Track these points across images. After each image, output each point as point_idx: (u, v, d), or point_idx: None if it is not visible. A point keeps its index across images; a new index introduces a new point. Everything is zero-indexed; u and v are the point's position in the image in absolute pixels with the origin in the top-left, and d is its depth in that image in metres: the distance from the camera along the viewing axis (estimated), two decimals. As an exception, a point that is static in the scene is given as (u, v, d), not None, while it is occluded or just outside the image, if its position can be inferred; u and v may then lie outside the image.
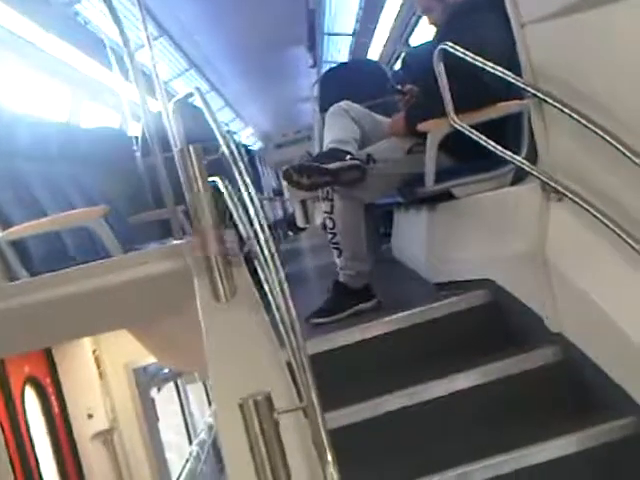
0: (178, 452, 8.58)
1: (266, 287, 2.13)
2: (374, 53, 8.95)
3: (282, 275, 2.05)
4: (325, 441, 1.71)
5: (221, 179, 2.53)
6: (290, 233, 15.56)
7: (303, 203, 22.17)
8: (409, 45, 7.54)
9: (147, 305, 2.80)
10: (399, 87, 3.58)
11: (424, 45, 5.33)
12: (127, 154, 5.61)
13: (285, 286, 2.02)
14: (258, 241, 2.18)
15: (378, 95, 4.55)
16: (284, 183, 19.33)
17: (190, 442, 9.20)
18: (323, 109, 4.73)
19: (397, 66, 7.61)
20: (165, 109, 3.35)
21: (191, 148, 2.32)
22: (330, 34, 10.12)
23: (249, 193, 2.25)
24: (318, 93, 5.89)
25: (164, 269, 2.59)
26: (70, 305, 2.73)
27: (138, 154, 5.60)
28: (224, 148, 2.40)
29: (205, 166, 2.33)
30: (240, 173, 2.29)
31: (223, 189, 2.50)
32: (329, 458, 1.68)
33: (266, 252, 2.11)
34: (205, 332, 2.21)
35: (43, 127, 5.04)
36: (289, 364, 2.03)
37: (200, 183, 2.29)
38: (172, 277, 2.57)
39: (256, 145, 20.56)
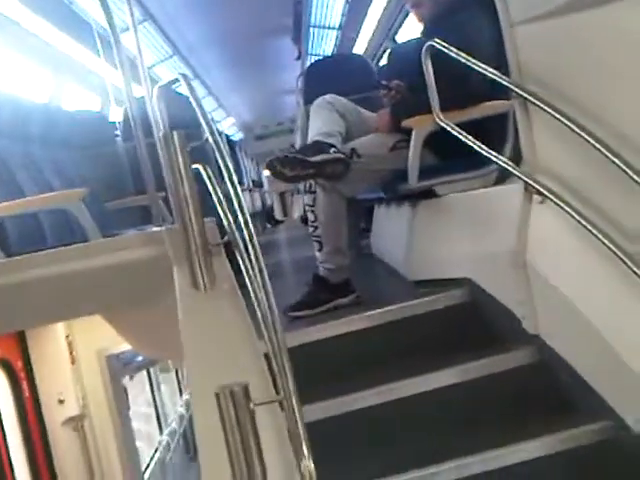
0: (148, 441, 8.55)
1: (246, 277, 2.11)
2: (360, 48, 8.93)
3: (262, 266, 2.03)
4: (302, 434, 1.70)
5: (204, 167, 2.51)
6: (268, 225, 15.54)
7: (282, 196, 22.16)
8: (395, 41, 7.53)
9: (124, 291, 2.78)
10: (385, 83, 3.57)
11: (411, 42, 5.31)
12: (108, 138, 5.56)
13: (265, 277, 2.00)
14: (240, 230, 2.15)
15: (363, 90, 4.54)
16: (264, 174, 19.35)
17: (161, 431, 9.17)
18: (308, 102, 4.71)
19: (383, 62, 7.60)
20: (149, 94, 3.32)
21: (175, 134, 2.29)
22: (316, 26, 10.08)
23: (232, 181, 2.23)
24: (303, 85, 5.86)
25: (143, 255, 2.57)
26: (45, 288, 2.70)
27: (119, 139, 5.55)
28: (209, 136, 2.37)
29: (188, 153, 2.31)
30: (224, 161, 2.27)
31: (205, 177, 2.48)
32: (305, 451, 1.67)
33: (247, 242, 2.09)
34: (182, 320, 2.19)
35: (24, 107, 4.97)
36: (266, 355, 2.02)
37: (182, 170, 2.27)
38: (151, 264, 2.55)
39: (237, 135, 20.48)
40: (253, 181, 16.17)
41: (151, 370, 8.97)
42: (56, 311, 3.15)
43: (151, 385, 9.26)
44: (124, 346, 5.39)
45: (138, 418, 8.33)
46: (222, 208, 2.33)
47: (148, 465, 7.94)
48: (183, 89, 2.81)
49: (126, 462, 6.30)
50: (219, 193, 2.40)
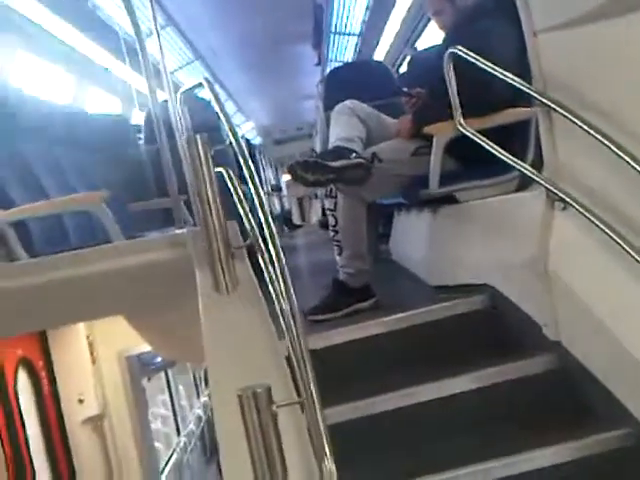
0: (166, 442, 8.58)
1: (268, 280, 2.13)
2: (380, 54, 8.94)
3: (285, 268, 2.05)
4: (324, 436, 1.71)
5: (226, 170, 2.53)
6: (286, 229, 15.56)
7: (300, 200, 22.19)
8: (416, 48, 7.54)
9: (146, 293, 2.81)
10: (407, 90, 3.58)
11: (431, 49, 5.32)
12: (130, 141, 5.60)
13: (288, 279, 2.02)
14: (262, 234, 2.17)
15: (383, 96, 4.54)
16: (283, 179, 19.38)
17: (178, 433, 9.20)
18: (328, 107, 4.73)
19: (403, 68, 7.60)
20: (172, 98, 3.35)
21: (198, 138, 2.32)
22: (336, 33, 10.11)
23: (255, 184, 2.25)
24: (323, 91, 5.88)
25: (165, 258, 2.59)
26: (68, 289, 2.74)
27: (141, 142, 5.59)
28: (232, 139, 2.40)
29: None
30: (246, 164, 2.29)
31: (228, 180, 2.50)
32: (327, 453, 1.68)
33: (270, 244, 2.11)
34: (204, 323, 2.21)
35: (47, 110, 5.02)
36: (287, 358, 2.03)
37: (206, 173, 2.29)
38: (173, 266, 2.58)
39: (256, 140, 20.54)
40: (272, 185, 16.23)
41: (169, 372, 9.00)
42: (78, 312, 3.18)
43: (169, 386, 9.30)
44: (144, 347, 5.42)
45: (156, 419, 8.37)
46: (244, 211, 2.35)
47: (166, 465, 7.97)
48: (204, 93, 2.84)
49: (144, 462, 6.33)
50: (241, 196, 2.42)
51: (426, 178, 3.13)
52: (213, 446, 9.81)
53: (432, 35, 6.66)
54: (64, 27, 5.87)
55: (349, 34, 10.08)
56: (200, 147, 2.30)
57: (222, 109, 2.49)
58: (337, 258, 3.29)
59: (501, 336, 2.80)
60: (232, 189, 2.47)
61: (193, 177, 2.34)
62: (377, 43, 8.89)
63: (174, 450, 8.52)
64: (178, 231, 2.96)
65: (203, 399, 10.48)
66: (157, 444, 7.87)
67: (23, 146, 4.16)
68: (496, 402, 2.54)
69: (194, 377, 10.56)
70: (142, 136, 5.70)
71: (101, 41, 6.39)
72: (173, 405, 9.41)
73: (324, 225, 10.44)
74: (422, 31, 7.24)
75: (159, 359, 6.72)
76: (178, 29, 8.86)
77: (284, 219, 16.14)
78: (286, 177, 20.35)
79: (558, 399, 2.49)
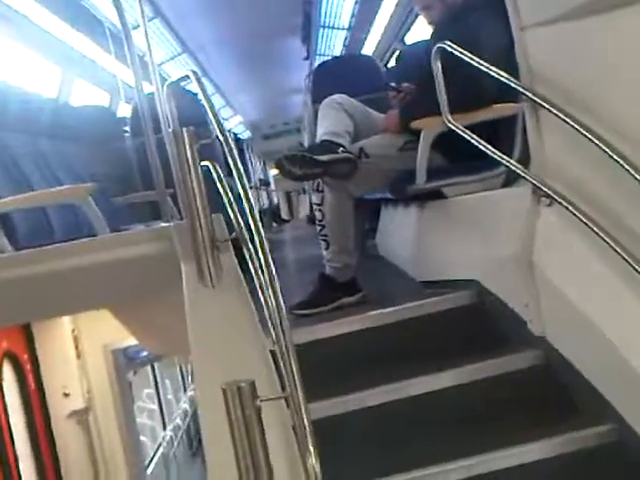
0: (152, 436, 8.57)
1: (253, 274, 2.12)
2: (369, 49, 8.94)
3: (270, 262, 2.04)
4: (308, 431, 1.71)
5: (212, 164, 2.51)
6: (274, 224, 15.55)
7: (288, 195, 22.17)
8: (404, 43, 7.54)
9: (132, 286, 2.79)
10: (394, 85, 3.58)
11: (420, 43, 5.33)
12: (116, 134, 5.58)
13: (273, 273, 2.01)
14: (248, 227, 2.16)
15: (371, 90, 4.54)
16: (271, 173, 19.34)
17: (164, 427, 9.19)
18: (315, 101, 4.72)
19: (391, 63, 7.60)
20: (158, 91, 3.33)
21: (184, 131, 2.31)
22: (325, 27, 10.09)
23: (241, 178, 2.24)
24: (311, 85, 5.87)
25: (151, 251, 2.58)
26: (53, 282, 2.72)
27: (127, 135, 5.56)
28: (218, 133, 2.38)
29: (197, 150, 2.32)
30: (233, 158, 2.28)
31: (214, 173, 2.49)
32: (311, 448, 1.68)
33: (255, 238, 2.10)
34: (189, 316, 2.20)
35: (32, 101, 4.99)
36: (272, 352, 2.03)
37: (192, 166, 2.28)
38: (158, 259, 2.56)
39: (244, 134, 20.50)
40: (260, 180, 16.21)
41: (155, 366, 8.99)
42: (63, 305, 3.16)
43: (155, 380, 9.29)
44: (130, 341, 5.41)
45: (142, 413, 8.36)
46: (230, 204, 2.34)
47: (152, 459, 7.97)
48: (192, 86, 2.82)
49: (130, 456, 6.32)
50: (227, 189, 2.41)
51: (413, 173, 3.13)
52: (199, 440, 9.82)
53: (421, 30, 6.66)
54: (50, 18, 5.82)
55: (338, 28, 10.07)
56: (186, 140, 2.29)
57: (208, 101, 2.47)
58: (324, 252, 3.29)
59: (487, 332, 2.80)
60: (218, 182, 2.46)
61: (179, 170, 2.33)
62: (366, 37, 8.89)
63: (160, 444, 8.52)
64: (164, 224, 2.95)
65: (189, 393, 10.47)
66: (143, 438, 7.86)
67: (8, 138, 4.13)
68: (480, 398, 2.54)
69: (181, 371, 10.55)
70: (128, 129, 5.67)
71: (87, 32, 6.34)
72: (159, 399, 9.40)
73: (312, 220, 10.43)
74: (411, 26, 7.25)
75: (145, 353, 6.70)
76: (166, 21, 8.81)
77: (272, 214, 16.14)
78: (274, 172, 20.36)
79: (542, 395, 2.50)
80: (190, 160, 2.27)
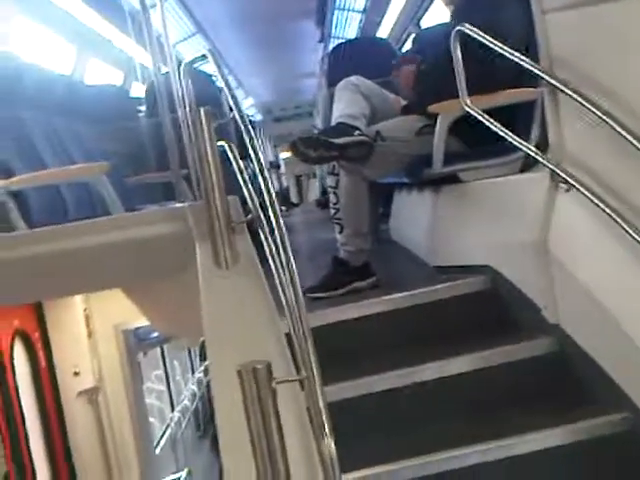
0: (160, 417, 8.61)
1: (269, 256, 2.11)
2: (384, 32, 8.87)
3: (287, 244, 2.03)
4: (323, 413, 1.70)
5: (228, 144, 2.50)
6: (284, 208, 15.55)
7: (298, 179, 22.14)
8: (420, 26, 7.48)
9: (145, 266, 2.79)
10: (395, 62, 3.58)
11: (436, 27, 5.28)
12: (130, 114, 5.56)
13: (290, 256, 2.00)
14: (264, 209, 2.15)
15: (387, 74, 4.51)
16: (281, 156, 19.30)
17: (172, 408, 9.23)
18: (331, 84, 4.69)
19: (407, 47, 7.54)
20: (173, 71, 3.32)
21: (202, 111, 2.29)
22: (340, 9, 10.02)
23: (258, 159, 2.22)
24: (327, 67, 5.84)
25: (165, 231, 2.57)
26: (67, 260, 2.71)
27: (142, 114, 5.55)
28: (235, 113, 2.37)
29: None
30: (250, 138, 2.26)
31: (230, 154, 2.48)
32: (327, 430, 1.67)
33: (272, 220, 2.08)
34: (204, 298, 2.19)
35: (47, 78, 4.97)
36: (287, 335, 2.02)
37: (208, 146, 2.27)
38: (173, 240, 2.55)
39: (256, 117, 20.46)
40: (270, 163, 16.18)
41: (164, 347, 9.02)
42: (76, 284, 3.16)
43: (164, 362, 9.32)
44: (140, 322, 5.41)
45: (150, 394, 8.40)
46: (246, 186, 2.33)
47: (160, 440, 8.01)
48: (207, 67, 2.80)
49: (139, 435, 6.34)
50: (243, 171, 2.39)
51: (429, 157, 3.10)
52: (207, 422, 9.86)
53: (437, 14, 6.60)
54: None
55: (353, 10, 10.00)
56: (204, 120, 2.28)
57: (225, 81, 2.46)
58: (338, 236, 3.27)
59: (500, 318, 2.79)
60: (234, 163, 2.45)
61: (195, 151, 2.32)
62: (381, 20, 8.81)
63: (168, 425, 8.56)
64: (178, 205, 2.94)
65: (198, 375, 10.51)
66: (151, 419, 7.89)
67: (22, 114, 4.12)
68: (494, 384, 2.54)
69: (189, 353, 10.58)
70: (143, 109, 5.66)
71: (102, 10, 6.31)
72: (168, 380, 9.44)
73: (321, 204, 10.40)
74: (427, 9, 7.18)
75: (155, 334, 6.71)
76: (180, 1, 8.77)
77: (282, 197, 16.12)
78: (284, 155, 20.33)
79: (556, 382, 2.49)
80: (207, 140, 2.25)
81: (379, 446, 2.35)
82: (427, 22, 7.24)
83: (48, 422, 5.55)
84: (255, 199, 2.26)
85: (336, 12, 9.93)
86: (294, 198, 20.35)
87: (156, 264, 2.76)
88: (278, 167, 18.04)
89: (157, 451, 7.63)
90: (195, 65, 3.03)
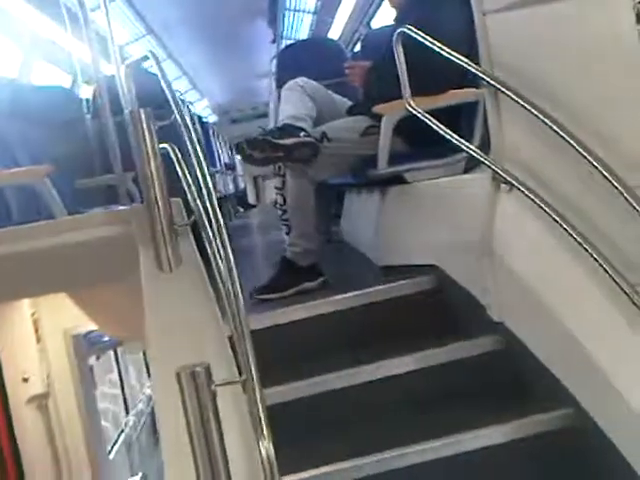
0: (114, 421, 8.52)
1: (212, 258, 2.10)
2: (335, 33, 8.89)
3: (228, 247, 2.02)
4: (262, 416, 1.70)
5: (171, 146, 2.48)
6: (240, 209, 15.48)
7: (255, 180, 22.07)
8: (370, 27, 7.51)
9: (89, 270, 2.75)
10: (347, 65, 3.60)
11: (384, 28, 5.31)
12: (76, 116, 5.48)
13: (231, 258, 1.99)
14: (206, 212, 2.14)
15: (336, 75, 4.51)
16: (237, 158, 19.24)
17: (127, 412, 9.14)
18: (280, 85, 4.68)
19: (357, 48, 7.57)
20: (118, 72, 3.29)
21: (142, 111, 2.27)
22: (291, 10, 10.02)
23: (199, 161, 2.21)
24: (275, 69, 5.83)
25: (108, 234, 2.53)
26: (10, 264, 2.67)
27: (88, 116, 5.47)
28: (176, 115, 2.35)
29: (156, 132, 2.28)
30: (191, 140, 2.25)
31: (173, 155, 2.46)
32: (265, 433, 1.67)
33: (214, 223, 2.08)
34: (146, 301, 2.17)
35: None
36: (230, 338, 2.01)
37: (149, 147, 2.25)
38: (116, 243, 2.53)
39: (211, 118, 20.35)
40: (226, 164, 16.09)
41: (119, 351, 8.92)
42: (20, 288, 3.11)
43: (118, 366, 9.22)
44: (91, 326, 5.34)
45: (104, 398, 8.30)
46: (189, 188, 2.31)
47: (114, 444, 7.92)
48: (154, 68, 2.78)
49: (90, 440, 6.25)
50: (187, 173, 2.38)
51: (376, 158, 3.12)
52: (162, 425, 9.78)
53: (386, 15, 6.64)
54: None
55: (304, 11, 10.01)
56: (144, 121, 2.26)
57: (166, 81, 2.44)
58: (285, 237, 3.27)
59: (446, 317, 2.82)
60: (177, 165, 2.43)
61: (137, 152, 2.30)
62: (332, 21, 8.84)
63: (122, 429, 8.47)
64: (122, 207, 2.91)
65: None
66: (106, 423, 7.80)
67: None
68: (438, 383, 2.56)
69: (144, 357, 10.48)
70: (88, 110, 5.58)
71: (49, 12, 6.22)
72: (122, 384, 9.34)
73: (276, 203, 10.37)
74: (376, 10, 7.22)
75: (107, 338, 6.63)
76: (129, 2, 8.69)
77: (239, 199, 16.04)
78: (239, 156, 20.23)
79: (501, 380, 2.52)
80: (148, 141, 2.23)
81: (323, 447, 2.35)
82: (377, 23, 7.28)
83: (-4, 429, 5.45)
84: (198, 201, 2.24)
85: (287, 13, 9.93)
86: (251, 199, 20.27)
87: (100, 267, 2.73)
88: (234, 169, 17.94)
89: (111, 456, 7.54)
90: (146, 66, 3.02)
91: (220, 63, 14.60)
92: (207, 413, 1.57)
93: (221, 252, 2.03)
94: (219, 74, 16.16)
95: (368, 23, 7.53)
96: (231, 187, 15.07)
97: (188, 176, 2.36)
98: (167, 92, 2.42)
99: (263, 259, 5.45)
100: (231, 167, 17.08)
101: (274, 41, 11.10)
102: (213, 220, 2.08)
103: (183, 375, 1.56)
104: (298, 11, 9.98)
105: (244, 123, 20.24)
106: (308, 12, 9.89)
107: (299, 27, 10.81)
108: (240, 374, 1.89)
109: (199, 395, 1.56)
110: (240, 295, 1.93)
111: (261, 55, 13.44)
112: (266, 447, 1.66)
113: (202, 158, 2.27)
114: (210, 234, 2.11)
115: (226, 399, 1.69)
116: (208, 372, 1.57)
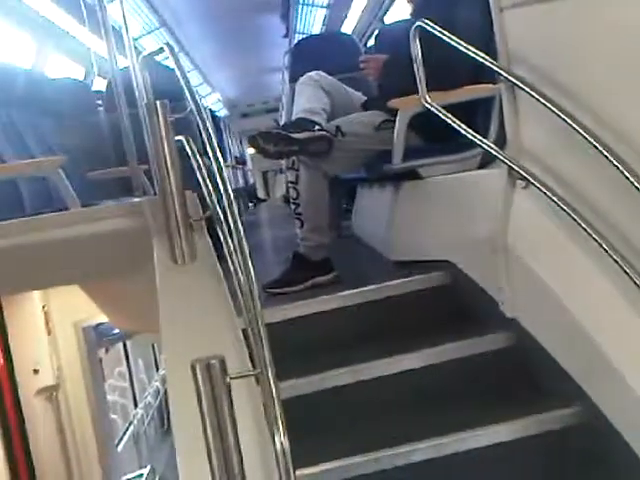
0: (122, 414, 8.54)
1: (226, 252, 2.09)
2: (348, 27, 8.88)
3: (243, 241, 2.01)
4: (277, 409, 1.70)
5: (187, 139, 2.48)
6: (250, 204, 15.49)
7: (264, 174, 22.08)
8: (384, 22, 7.49)
9: (102, 262, 2.76)
10: (362, 59, 3.58)
11: (398, 23, 5.30)
12: (90, 108, 5.49)
13: (246, 252, 1.99)
14: (221, 205, 2.14)
15: (350, 69, 4.51)
16: (248, 152, 19.26)
17: (135, 405, 9.17)
18: (293, 79, 4.68)
19: (371, 42, 7.56)
20: (133, 64, 3.28)
21: (158, 103, 2.27)
22: (305, 4, 10.01)
23: (215, 155, 2.20)
24: (289, 63, 5.82)
25: (123, 226, 2.54)
26: (23, 256, 2.68)
27: (102, 109, 5.48)
28: (192, 106, 2.34)
29: (171, 124, 2.28)
30: (207, 133, 2.24)
31: (188, 149, 2.45)
32: (280, 426, 1.67)
33: (229, 216, 2.07)
34: (160, 293, 2.18)
35: (5, 71, 4.89)
36: (244, 332, 2.01)
37: (165, 140, 2.25)
38: (130, 235, 2.53)
39: (222, 112, 20.36)
40: (236, 158, 16.10)
41: (128, 344, 8.95)
42: (32, 279, 3.12)
43: (127, 359, 9.25)
44: (101, 318, 5.36)
45: (113, 391, 8.33)
46: (204, 182, 2.31)
47: (122, 436, 7.94)
48: (168, 61, 2.77)
49: (99, 433, 6.29)
50: (202, 166, 2.37)
51: (390, 152, 3.11)
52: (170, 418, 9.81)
53: (400, 10, 6.62)
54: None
55: (317, 5, 9.99)
56: (160, 114, 2.25)
57: (182, 74, 2.43)
58: (298, 231, 3.27)
59: (459, 313, 2.81)
60: (192, 158, 2.42)
61: (152, 144, 2.30)
62: (345, 16, 8.82)
63: (131, 422, 8.50)
64: (136, 200, 2.91)
65: (162, 372, 10.45)
66: (114, 416, 7.83)
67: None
68: (450, 379, 2.55)
69: (153, 350, 10.52)
70: (102, 102, 5.59)
71: (64, 4, 6.23)
72: (131, 377, 9.37)
73: (288, 200, 10.36)
74: (390, 5, 7.20)
75: (116, 330, 6.66)
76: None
77: (249, 193, 16.06)
78: (251, 150, 20.27)
79: (513, 376, 2.51)
80: (163, 133, 2.23)
81: (337, 441, 2.34)
82: (391, 18, 7.26)
83: (7, 420, 5.47)
84: (213, 194, 2.24)
85: (300, 7, 9.91)
86: (261, 194, 20.29)
87: (113, 259, 2.74)
88: (244, 163, 17.95)
89: (119, 448, 7.57)
90: (161, 60, 3.02)
91: (232, 57, 14.60)
92: (221, 405, 1.56)
93: (236, 246, 2.02)
94: (231, 68, 16.16)
95: (382, 18, 7.51)
96: (241, 181, 15.09)
97: (204, 169, 2.37)
98: (182, 83, 2.41)
99: (273, 253, 5.46)
100: (242, 162, 17.10)
101: (286, 35, 11.09)
102: (229, 213, 2.07)
103: (198, 367, 1.56)
104: (311, 5, 9.96)
105: (255, 117, 20.24)
106: (321, 6, 9.87)
107: (312, 21, 10.79)
108: (254, 367, 1.88)
109: (214, 387, 1.55)
110: (255, 288, 1.92)
111: (272, 49, 13.42)
112: (281, 440, 1.65)
113: (217, 151, 2.26)
114: (225, 227, 2.11)
115: (239, 392, 1.69)
116: (223, 364, 1.57)
